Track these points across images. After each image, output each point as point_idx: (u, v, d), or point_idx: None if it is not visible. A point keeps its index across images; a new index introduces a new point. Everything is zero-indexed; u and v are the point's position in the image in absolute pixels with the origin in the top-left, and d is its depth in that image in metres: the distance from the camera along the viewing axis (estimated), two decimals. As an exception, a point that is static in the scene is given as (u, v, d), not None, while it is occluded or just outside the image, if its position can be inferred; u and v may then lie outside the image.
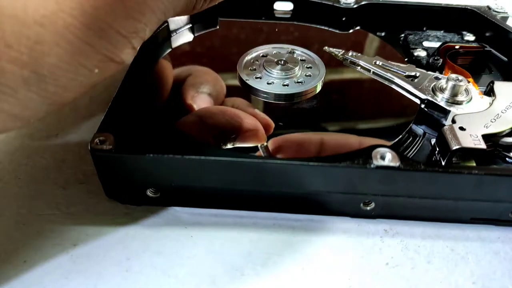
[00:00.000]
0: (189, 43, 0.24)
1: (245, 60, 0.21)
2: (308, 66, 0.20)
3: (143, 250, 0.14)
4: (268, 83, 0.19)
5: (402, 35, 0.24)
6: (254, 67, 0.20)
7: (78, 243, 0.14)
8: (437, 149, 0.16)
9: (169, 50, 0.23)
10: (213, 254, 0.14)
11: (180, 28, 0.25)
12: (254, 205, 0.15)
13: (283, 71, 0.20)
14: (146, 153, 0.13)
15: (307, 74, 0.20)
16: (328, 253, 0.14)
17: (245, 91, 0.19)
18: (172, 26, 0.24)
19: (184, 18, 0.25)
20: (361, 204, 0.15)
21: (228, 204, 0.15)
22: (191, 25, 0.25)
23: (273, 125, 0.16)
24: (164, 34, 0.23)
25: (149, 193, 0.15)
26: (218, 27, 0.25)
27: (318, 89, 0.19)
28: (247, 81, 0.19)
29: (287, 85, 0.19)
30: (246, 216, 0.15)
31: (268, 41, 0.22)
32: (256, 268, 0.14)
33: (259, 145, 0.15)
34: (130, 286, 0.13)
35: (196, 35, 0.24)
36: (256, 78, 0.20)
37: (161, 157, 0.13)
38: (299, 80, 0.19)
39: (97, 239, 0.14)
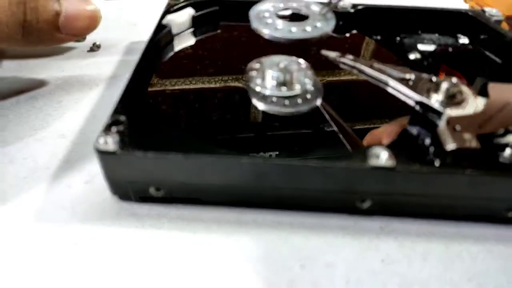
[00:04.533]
0: (191, 46, 0.24)
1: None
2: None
3: (145, 249, 0.14)
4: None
5: (398, 38, 0.25)
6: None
7: (82, 241, 0.14)
8: (432, 149, 0.16)
9: (172, 53, 0.23)
10: (213, 252, 0.14)
11: (183, 31, 0.25)
12: (253, 203, 0.16)
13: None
14: (150, 152, 0.14)
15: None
16: (325, 249, 0.14)
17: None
18: (174, 30, 0.24)
19: (186, 22, 0.25)
20: (358, 202, 0.15)
21: (230, 202, 0.16)
22: (193, 29, 0.26)
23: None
24: (167, 38, 0.24)
25: (152, 191, 0.15)
26: (220, 31, 0.26)
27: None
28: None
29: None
30: (246, 213, 0.16)
31: (269, 45, 0.23)
32: (255, 265, 0.14)
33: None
34: (132, 285, 0.13)
35: (198, 38, 0.25)
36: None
37: (165, 156, 0.14)
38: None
39: (101, 237, 0.14)
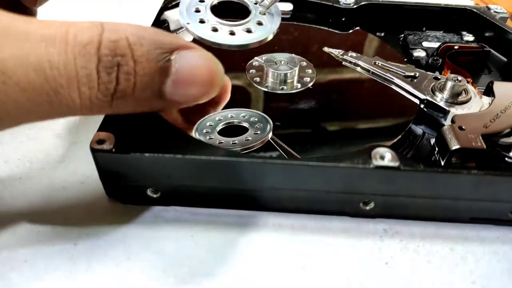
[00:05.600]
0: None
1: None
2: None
3: (144, 250, 0.14)
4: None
5: (402, 35, 0.24)
6: None
7: (79, 242, 0.14)
8: (437, 149, 0.16)
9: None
10: (213, 254, 0.14)
11: (181, 28, 0.25)
12: (254, 205, 0.15)
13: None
14: (146, 153, 0.13)
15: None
16: (327, 252, 0.14)
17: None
18: (172, 27, 0.24)
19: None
20: (361, 204, 0.15)
21: (228, 204, 0.15)
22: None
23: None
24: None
25: (149, 193, 0.15)
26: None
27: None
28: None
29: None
30: (246, 216, 0.15)
31: (268, 42, 0.22)
32: (256, 267, 0.14)
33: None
34: (131, 286, 0.13)
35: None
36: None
37: (162, 157, 0.13)
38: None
39: (98, 238, 0.14)
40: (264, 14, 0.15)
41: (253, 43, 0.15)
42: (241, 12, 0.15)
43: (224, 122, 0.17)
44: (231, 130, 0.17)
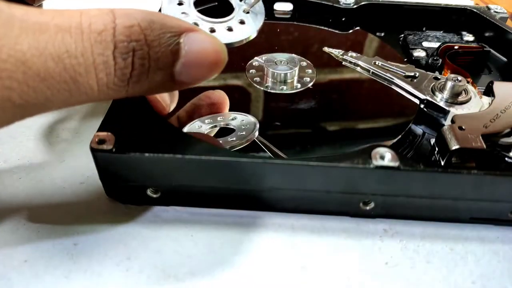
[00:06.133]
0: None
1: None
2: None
3: (143, 250, 0.14)
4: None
5: (402, 35, 0.24)
6: None
7: (79, 242, 0.14)
8: (437, 149, 0.16)
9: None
10: (213, 254, 0.14)
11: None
12: (254, 205, 0.15)
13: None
14: (146, 153, 0.13)
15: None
16: (327, 252, 0.14)
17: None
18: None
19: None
20: (361, 204, 0.15)
21: (228, 203, 0.15)
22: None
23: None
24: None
25: (149, 192, 0.15)
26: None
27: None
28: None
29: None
30: (246, 216, 0.15)
31: (269, 42, 0.22)
32: (255, 267, 0.14)
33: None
34: (131, 286, 0.13)
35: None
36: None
37: (162, 157, 0.13)
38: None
39: (98, 238, 0.14)
40: (248, 12, 0.15)
41: (232, 43, 0.14)
42: (225, 9, 0.15)
43: (212, 125, 0.17)
44: (220, 131, 0.17)
